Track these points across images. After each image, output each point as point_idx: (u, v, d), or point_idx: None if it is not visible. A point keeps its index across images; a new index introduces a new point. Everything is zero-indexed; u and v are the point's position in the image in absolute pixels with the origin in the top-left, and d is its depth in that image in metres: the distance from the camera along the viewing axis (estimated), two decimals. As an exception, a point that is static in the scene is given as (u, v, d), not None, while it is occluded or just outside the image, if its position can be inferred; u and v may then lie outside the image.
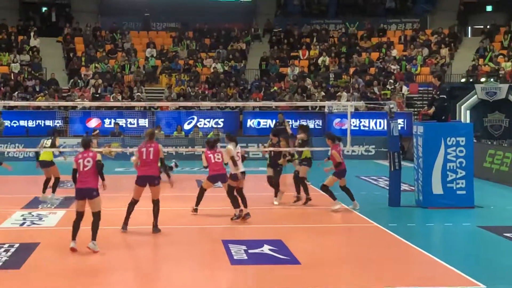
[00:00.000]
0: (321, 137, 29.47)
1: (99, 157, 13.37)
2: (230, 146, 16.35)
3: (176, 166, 23.19)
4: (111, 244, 13.80)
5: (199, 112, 33.43)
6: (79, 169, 13.06)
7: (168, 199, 16.62)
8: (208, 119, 33.35)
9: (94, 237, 12.97)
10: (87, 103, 32.01)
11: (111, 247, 13.55)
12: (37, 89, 35.47)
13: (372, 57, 40.44)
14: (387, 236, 14.63)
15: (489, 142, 30.58)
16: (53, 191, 19.39)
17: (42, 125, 32.76)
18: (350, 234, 15.16)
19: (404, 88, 36.45)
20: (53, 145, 19.22)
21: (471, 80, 36.91)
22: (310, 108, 34.23)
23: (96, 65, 38.71)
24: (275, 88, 36.94)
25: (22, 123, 32.88)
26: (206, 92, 36.28)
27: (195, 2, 44.16)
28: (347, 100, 33.41)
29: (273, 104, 31.96)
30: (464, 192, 18.03)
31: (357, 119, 33.35)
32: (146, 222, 15.94)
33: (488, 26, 42.23)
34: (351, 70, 39.06)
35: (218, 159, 16.58)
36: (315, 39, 42.41)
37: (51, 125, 32.72)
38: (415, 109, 34.93)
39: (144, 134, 15.61)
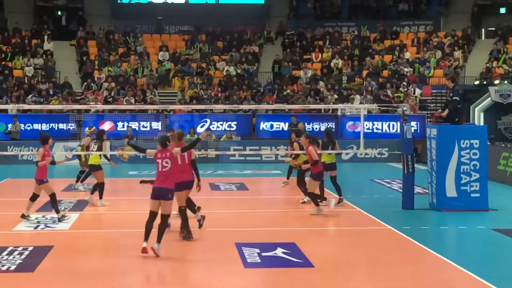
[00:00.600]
0: (336, 139, 29.58)
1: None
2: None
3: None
4: (125, 246, 13.82)
5: (212, 115, 33.46)
6: (158, 169, 13.06)
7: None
8: (221, 122, 33.34)
9: (159, 240, 12.81)
10: (100, 106, 32.10)
11: (124, 249, 13.56)
12: (51, 93, 35.58)
13: (385, 60, 40.35)
14: (401, 239, 14.58)
15: (503, 145, 30.42)
16: (100, 197, 19.04)
17: (56, 129, 32.85)
18: (363, 237, 15.10)
19: (417, 91, 36.34)
20: (99, 149, 19.27)
21: (484, 82, 36.80)
22: (323, 111, 34.17)
23: (109, 68, 38.82)
24: (288, 91, 36.92)
25: (36, 126, 32.97)
26: (219, 95, 36.30)
27: (208, 5, 44.27)
28: (360, 103, 33.38)
29: (286, 107, 31.93)
30: (478, 194, 17.93)
31: (370, 122, 33.27)
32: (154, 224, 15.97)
33: (501, 28, 42.05)
34: (364, 72, 38.99)
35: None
36: (327, 42, 42.38)
37: (65, 128, 32.84)
38: (428, 112, 34.83)
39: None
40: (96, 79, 37.55)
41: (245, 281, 11.45)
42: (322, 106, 32.84)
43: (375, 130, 33.59)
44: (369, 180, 25.12)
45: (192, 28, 43.89)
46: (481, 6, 44.17)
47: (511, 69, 37.37)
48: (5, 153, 27.67)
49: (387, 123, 33.69)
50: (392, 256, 13.15)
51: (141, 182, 22.49)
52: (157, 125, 32.58)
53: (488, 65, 38.33)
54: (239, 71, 39.44)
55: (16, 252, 12.97)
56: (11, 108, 32.22)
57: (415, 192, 18.66)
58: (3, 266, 12.01)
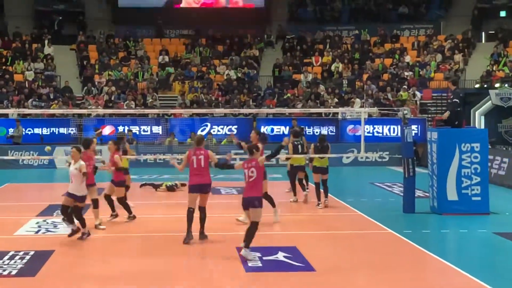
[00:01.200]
0: (335, 143, 29.61)
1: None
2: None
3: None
4: (125, 250, 13.82)
5: (212, 119, 33.45)
6: (245, 179, 13.25)
7: (181, 206, 16.58)
8: (222, 126, 33.34)
9: (247, 244, 12.94)
10: (101, 111, 32.08)
11: (124, 253, 13.56)
12: (51, 97, 35.59)
13: (385, 63, 40.37)
14: (402, 243, 14.57)
15: (504, 148, 30.44)
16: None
17: (57, 133, 32.87)
18: (364, 240, 15.08)
19: (418, 94, 36.35)
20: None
21: (485, 85, 36.81)
22: (323, 115, 34.21)
23: (110, 72, 38.84)
24: (288, 94, 36.94)
25: (37, 130, 32.98)
26: (219, 99, 36.32)
27: (208, 9, 44.27)
28: (361, 107, 33.38)
29: (287, 110, 31.95)
30: (479, 198, 17.93)
31: (371, 125, 33.27)
32: (159, 229, 16.00)
33: (502, 31, 42.06)
34: (365, 76, 39.02)
35: None
36: (328, 46, 42.40)
37: (65, 133, 32.84)
38: (429, 115, 34.84)
39: (194, 141, 15.71)
40: (96, 83, 37.59)
41: (246, 286, 11.44)
42: (322, 110, 32.85)
43: (375, 134, 33.59)
44: (369, 183, 25.10)
45: (192, 32, 43.93)
46: (481, 9, 44.19)
47: (511, 73, 37.35)
48: (5, 157, 27.71)
49: (388, 126, 33.69)
50: (394, 260, 13.15)
51: (141, 186, 22.74)
52: (157, 129, 32.61)
53: (488, 68, 38.34)
54: (239, 75, 39.48)
55: (18, 257, 12.97)
56: (12, 112, 32.20)
57: (416, 195, 18.66)
58: (4, 270, 12.00)
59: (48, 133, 32.90)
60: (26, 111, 31.53)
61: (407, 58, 40.54)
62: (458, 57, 39.98)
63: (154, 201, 20.86)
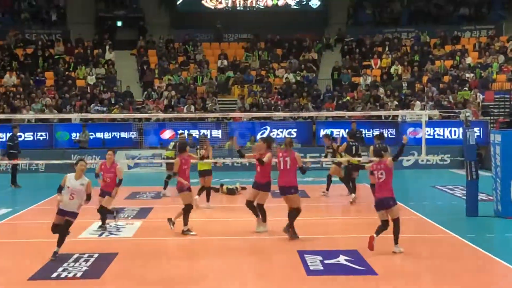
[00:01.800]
0: (395, 146, 29.31)
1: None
2: None
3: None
4: (189, 253, 13.91)
5: (272, 123, 33.48)
6: (279, 167, 14.78)
7: (244, 210, 16.62)
8: (281, 129, 33.34)
9: (396, 241, 13.83)
10: (161, 115, 32.40)
11: (186, 257, 13.65)
12: (113, 102, 36.06)
13: (446, 65, 39.91)
14: (466, 247, 14.37)
15: None
16: (208, 200, 20.25)
17: (118, 137, 33.31)
18: (427, 244, 14.92)
19: (480, 96, 35.83)
20: (202, 158, 19.87)
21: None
22: (383, 118, 33.98)
23: (169, 77, 39.19)
24: (348, 97, 36.77)
25: (99, 135, 33.46)
26: (279, 102, 36.34)
27: (267, 13, 44.35)
28: (421, 109, 33.07)
29: (346, 113, 31.80)
30: (544, 201, 17.60)
31: (431, 128, 32.91)
32: (220, 232, 16.08)
33: None
34: (424, 78, 38.63)
35: None
36: (387, 48, 42.10)
37: (126, 137, 33.25)
38: (491, 117, 34.32)
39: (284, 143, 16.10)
40: (156, 87, 37.96)
41: (309, 289, 11.42)
42: (382, 113, 32.62)
43: (436, 136, 33.19)
44: (431, 186, 24.84)
45: (251, 36, 44.04)
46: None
47: None
48: (69, 161, 28.12)
49: (449, 129, 33.27)
50: (458, 264, 12.96)
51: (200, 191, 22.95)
52: (217, 133, 32.76)
53: (552, 69, 37.65)
54: (298, 78, 39.44)
55: (82, 259, 13.17)
56: (75, 117, 32.79)
57: (479, 199, 18.38)
58: (69, 273, 12.19)
59: (110, 137, 33.35)
60: (89, 115, 32.01)
61: (468, 60, 40.00)
62: (521, 58, 39.32)
63: (215, 204, 20.93)
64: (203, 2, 44.65)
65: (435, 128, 33.26)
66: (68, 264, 12.72)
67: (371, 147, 19.52)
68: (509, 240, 15.75)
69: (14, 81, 37.88)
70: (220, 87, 38.94)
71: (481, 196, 19.36)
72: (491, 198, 18.89)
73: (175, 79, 39.03)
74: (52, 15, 44.23)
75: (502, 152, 17.79)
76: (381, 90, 37.25)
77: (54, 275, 12.11)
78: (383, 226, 13.80)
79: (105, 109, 34.76)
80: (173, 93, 36.89)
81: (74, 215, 13.35)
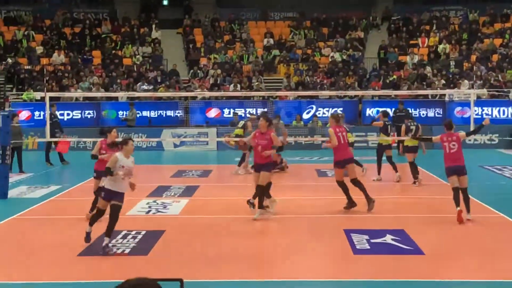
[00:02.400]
0: (441, 126, 29.00)
1: None
2: None
3: None
4: (234, 232, 13.98)
5: (318, 101, 33.39)
6: (445, 151, 15.04)
7: (288, 189, 16.65)
8: (327, 109, 33.21)
9: (468, 210, 14.83)
10: (207, 93, 32.50)
11: (234, 234, 13.73)
12: (159, 80, 36.26)
13: (495, 44, 39.32)
14: (514, 227, 14.24)
15: None
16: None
17: (164, 116, 33.53)
18: (475, 224, 14.78)
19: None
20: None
21: None
22: (430, 97, 33.66)
23: (215, 55, 39.26)
24: (394, 76, 36.48)
25: (145, 113, 33.70)
26: (325, 81, 36.21)
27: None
28: (469, 88, 32.68)
29: (393, 92, 31.57)
30: None
31: (480, 107, 32.51)
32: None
33: None
34: (473, 57, 38.12)
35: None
36: (434, 26, 41.56)
37: (172, 115, 33.45)
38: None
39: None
40: (202, 66, 38.05)
41: (355, 268, 11.40)
42: (429, 92, 32.31)
43: (484, 116, 32.78)
44: (478, 166, 24.55)
45: (296, 14, 43.83)
46: None
47: None
48: (116, 140, 28.41)
49: (497, 108, 32.86)
50: (507, 245, 12.80)
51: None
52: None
53: None
54: (344, 57, 39.22)
55: (130, 236, 13.33)
56: (122, 95, 33.07)
57: (528, 179, 18.19)
58: (118, 249, 12.35)
59: (156, 115, 33.58)
60: (136, 94, 32.24)
61: (518, 38, 39.38)
62: None
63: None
64: (249, -20, 44.57)
65: (484, 108, 32.86)
66: (117, 241, 12.88)
67: (403, 126, 20.52)
68: (559, 221, 15.54)
69: (62, 59, 38.29)
70: (266, 65, 38.91)
71: (531, 176, 19.15)
72: (541, 178, 18.65)
73: (221, 57, 39.09)
74: (99, -6, 44.59)
75: (553, 131, 17.55)
76: (428, 69, 36.87)
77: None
78: (457, 193, 14.70)
79: (151, 87, 34.98)
80: (218, 71, 36.96)
81: (122, 196, 12.40)
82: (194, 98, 33.46)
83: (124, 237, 13.24)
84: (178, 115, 33.42)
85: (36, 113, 32.53)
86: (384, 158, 21.06)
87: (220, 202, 17.37)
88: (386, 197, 18.33)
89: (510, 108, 32.56)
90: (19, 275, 11.04)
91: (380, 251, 12.24)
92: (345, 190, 15.98)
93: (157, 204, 17.08)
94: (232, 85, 35.37)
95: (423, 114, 32.58)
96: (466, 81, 34.39)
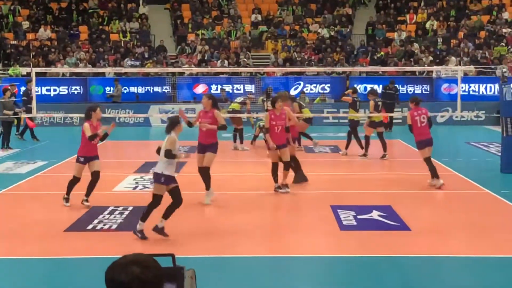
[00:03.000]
0: (429, 102, 29.13)
1: None
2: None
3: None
4: (218, 208, 14.01)
5: (305, 78, 33.36)
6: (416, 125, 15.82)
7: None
8: (315, 85, 33.20)
9: (436, 176, 15.80)
10: (194, 69, 32.39)
11: (217, 211, 13.75)
12: (146, 56, 36.12)
13: (482, 20, 39.32)
14: (500, 203, 14.31)
15: None
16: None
17: (151, 92, 33.43)
18: (461, 200, 14.88)
19: (516, 52, 35.33)
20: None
21: None
22: (417, 73, 33.68)
23: (203, 31, 39.10)
24: (382, 53, 36.47)
25: (132, 89, 33.59)
26: (312, 57, 36.16)
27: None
28: (456, 65, 32.71)
29: (380, 69, 31.57)
30: None
31: (467, 84, 32.56)
32: (253, 187, 16.12)
33: None
34: (460, 34, 38.12)
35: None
36: (422, 3, 41.48)
37: (160, 91, 33.36)
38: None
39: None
40: (190, 42, 37.91)
41: (341, 244, 11.46)
42: (417, 68, 32.35)
43: (471, 93, 32.86)
44: (465, 143, 24.65)
45: (284, -10, 43.63)
46: None
47: None
48: (103, 115, 28.29)
49: (484, 85, 32.91)
50: (492, 220, 12.91)
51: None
52: (250, 88, 32.69)
53: None
54: (332, 33, 39.14)
55: (117, 212, 13.33)
56: (109, 71, 32.92)
57: (514, 155, 18.23)
58: (105, 225, 12.36)
59: (143, 91, 33.47)
60: (123, 70, 32.11)
61: (505, 15, 39.34)
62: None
63: (252, 159, 20.97)
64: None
65: (471, 84, 32.91)
66: (103, 217, 12.89)
67: (371, 102, 20.81)
68: (544, 197, 15.66)
69: (49, 34, 38.04)
70: (253, 41, 38.81)
71: (516, 153, 19.18)
72: (527, 154, 18.70)
73: (209, 33, 38.94)
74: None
75: (539, 108, 17.60)
76: (416, 45, 36.86)
77: (90, 227, 12.28)
78: (431, 163, 15.94)
79: (138, 63, 34.85)
80: (206, 47, 36.84)
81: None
82: (181, 74, 33.35)
83: (111, 213, 13.24)
84: (166, 91, 33.32)
85: (22, 88, 32.33)
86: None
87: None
88: (373, 173, 18.40)
89: (497, 85, 32.61)
90: (5, 251, 11.03)
91: (367, 227, 12.28)
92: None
93: (144, 180, 17.06)
94: (219, 61, 35.27)
95: (410, 91, 32.58)
96: (453, 58, 34.42)
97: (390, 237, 11.69)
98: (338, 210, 13.46)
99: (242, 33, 39.03)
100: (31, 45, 35.14)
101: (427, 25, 39.17)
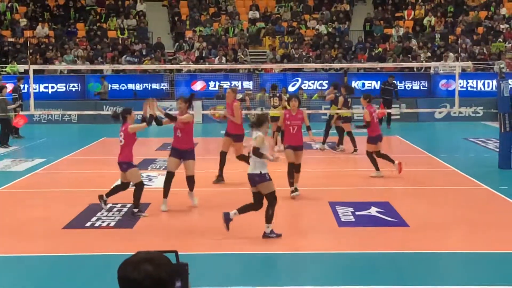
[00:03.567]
0: (427, 98, 29.17)
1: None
2: None
3: None
4: (217, 205, 14.01)
5: (303, 74, 33.34)
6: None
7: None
8: (313, 81, 33.20)
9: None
10: (192, 66, 32.37)
11: (216, 208, 13.75)
12: (144, 53, 36.10)
13: (480, 16, 39.32)
14: (498, 199, 14.33)
15: None
16: None
17: (149, 88, 33.40)
18: (459, 196, 14.89)
19: (514, 48, 35.33)
20: None
21: None
22: (415, 69, 33.69)
23: (201, 28, 39.08)
24: (380, 49, 36.46)
25: (130, 86, 33.56)
26: (310, 54, 36.15)
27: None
28: (454, 61, 32.70)
29: (378, 65, 31.56)
30: None
31: (464, 80, 32.56)
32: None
33: None
34: (458, 30, 38.12)
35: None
36: (420, -1, 41.52)
37: (158, 88, 33.34)
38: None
39: None
40: (187, 39, 37.88)
41: (340, 240, 11.46)
42: (415, 64, 32.34)
43: (469, 89, 32.85)
44: (463, 139, 24.67)
45: (282, -14, 43.61)
46: None
47: None
48: (102, 112, 28.39)
49: (482, 81, 32.93)
50: (490, 216, 12.92)
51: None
52: (248, 84, 32.69)
53: None
54: (330, 29, 39.12)
55: (115, 209, 13.35)
56: (107, 68, 32.90)
57: (512, 151, 18.26)
58: (103, 222, 12.38)
59: (141, 88, 33.45)
60: (121, 67, 32.10)
61: (503, 11, 39.34)
62: (557, 8, 38.61)
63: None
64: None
65: (468, 80, 32.92)
66: (102, 214, 12.89)
67: (340, 98, 21.24)
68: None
69: (46, 32, 38.01)
70: (251, 38, 38.78)
71: (514, 149, 19.19)
72: (525, 150, 18.72)
73: (206, 30, 38.92)
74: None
75: (537, 104, 17.61)
76: (414, 41, 36.86)
77: (88, 224, 12.29)
78: (384, 154, 16.95)
79: (136, 60, 34.83)
80: (204, 44, 36.82)
81: None
82: (179, 71, 33.33)
83: (110, 210, 13.25)
84: (164, 88, 33.31)
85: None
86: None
87: (205, 175, 17.34)
88: (371, 169, 18.38)
89: (494, 81, 32.59)
90: (4, 249, 11.04)
91: (365, 224, 12.31)
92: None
93: (142, 177, 16.99)
94: (217, 58, 35.25)
95: (408, 87, 32.62)
96: (451, 54, 34.41)
97: (389, 233, 11.70)
98: (336, 206, 13.48)
99: (239, 30, 39.01)
100: (28, 42, 35.08)
101: (425, 21, 39.16)
